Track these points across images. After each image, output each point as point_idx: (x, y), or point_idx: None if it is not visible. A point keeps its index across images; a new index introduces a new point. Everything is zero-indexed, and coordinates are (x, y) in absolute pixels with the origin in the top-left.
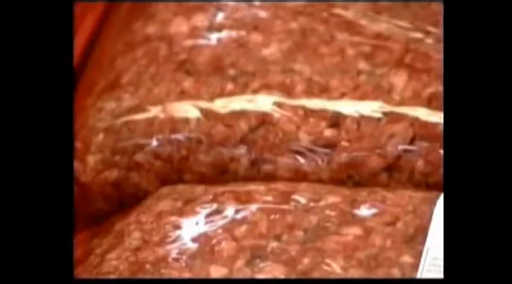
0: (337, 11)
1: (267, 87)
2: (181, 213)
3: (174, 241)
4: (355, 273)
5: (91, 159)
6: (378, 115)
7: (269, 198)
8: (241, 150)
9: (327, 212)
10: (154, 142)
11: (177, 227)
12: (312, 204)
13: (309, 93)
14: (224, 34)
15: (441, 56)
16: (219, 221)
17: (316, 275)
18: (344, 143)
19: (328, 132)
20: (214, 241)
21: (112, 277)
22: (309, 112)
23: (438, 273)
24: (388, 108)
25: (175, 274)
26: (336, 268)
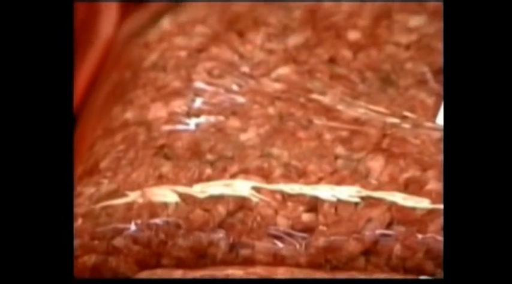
0: (315, 96)
1: (245, 172)
2: None
3: None
4: None
5: None
6: (355, 199)
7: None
8: (220, 234)
9: None
10: (133, 227)
11: None
12: None
13: (287, 177)
14: (202, 119)
15: (418, 141)
16: None
17: None
18: (322, 227)
19: (306, 217)
20: None
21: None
22: (287, 197)
23: None
24: (365, 192)
25: None
26: None
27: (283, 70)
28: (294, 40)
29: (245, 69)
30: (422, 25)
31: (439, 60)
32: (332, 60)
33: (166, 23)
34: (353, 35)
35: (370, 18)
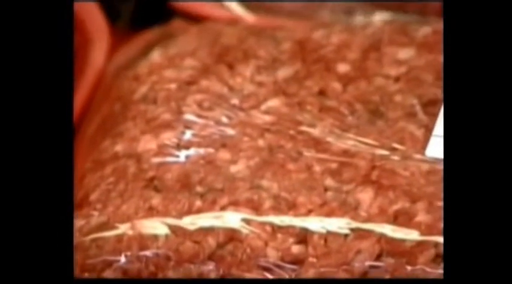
0: (304, 128)
1: (235, 204)
2: None
3: None
4: None
5: None
6: (345, 231)
7: None
8: (210, 266)
9: None
10: (123, 259)
11: None
12: None
13: (277, 209)
14: (192, 151)
15: (407, 173)
16: None
17: None
18: (311, 259)
19: (296, 249)
20: None
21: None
22: (276, 229)
23: None
24: (355, 224)
25: None
26: None
27: (273, 102)
28: (283, 72)
29: (235, 101)
30: (411, 57)
31: (428, 92)
32: (322, 93)
33: (156, 56)
34: (342, 68)
35: (359, 50)
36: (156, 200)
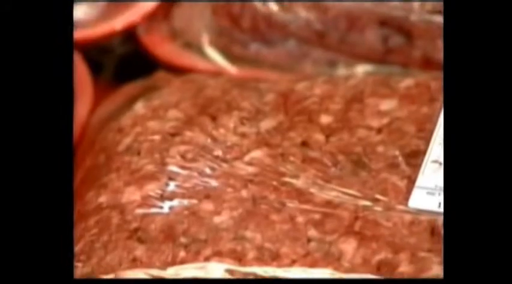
0: (287, 179)
1: (219, 255)
2: None
3: None
4: None
5: None
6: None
7: None
8: None
9: None
10: None
11: None
12: None
13: (260, 260)
14: (176, 202)
15: (390, 224)
16: None
17: None
18: None
19: None
20: None
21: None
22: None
23: None
24: (338, 275)
25: None
26: None
27: (256, 153)
28: (266, 124)
29: (218, 152)
30: (394, 109)
31: (411, 143)
32: (305, 144)
33: (140, 107)
34: (325, 119)
35: (342, 102)
36: (140, 251)
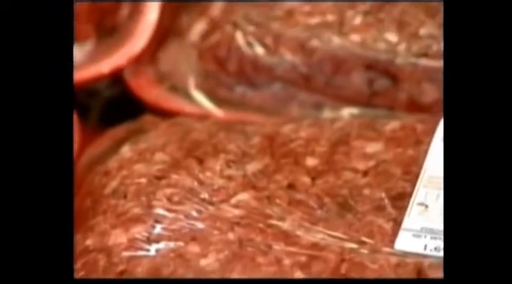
0: (274, 222)
1: None
2: None
3: None
4: None
5: None
6: None
7: None
8: None
9: None
10: None
11: None
12: None
13: None
14: (162, 245)
15: (376, 266)
16: None
17: None
18: None
19: None
20: None
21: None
22: None
23: None
24: None
25: None
26: None
27: (243, 196)
28: (253, 166)
29: (205, 195)
30: (379, 151)
31: (397, 186)
32: (291, 186)
33: (126, 151)
34: (311, 161)
35: (328, 144)
36: None
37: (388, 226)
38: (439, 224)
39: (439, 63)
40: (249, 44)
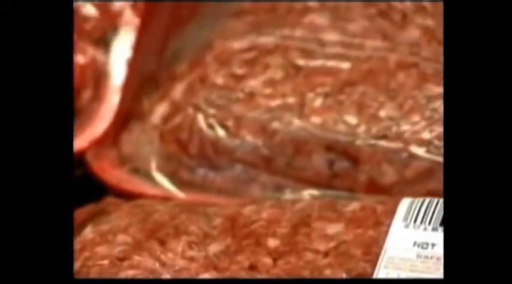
0: None
1: None
2: None
3: None
4: None
5: None
6: None
7: None
8: None
9: None
10: None
11: None
12: None
13: None
14: None
15: None
16: None
17: None
18: None
19: None
20: None
21: None
22: None
23: None
24: None
25: None
26: None
27: (205, 276)
28: (214, 247)
29: (166, 276)
30: (340, 232)
31: (357, 266)
32: (252, 267)
33: (88, 232)
34: (273, 242)
35: (289, 225)
36: None
37: None
38: None
39: (398, 145)
40: (211, 126)
